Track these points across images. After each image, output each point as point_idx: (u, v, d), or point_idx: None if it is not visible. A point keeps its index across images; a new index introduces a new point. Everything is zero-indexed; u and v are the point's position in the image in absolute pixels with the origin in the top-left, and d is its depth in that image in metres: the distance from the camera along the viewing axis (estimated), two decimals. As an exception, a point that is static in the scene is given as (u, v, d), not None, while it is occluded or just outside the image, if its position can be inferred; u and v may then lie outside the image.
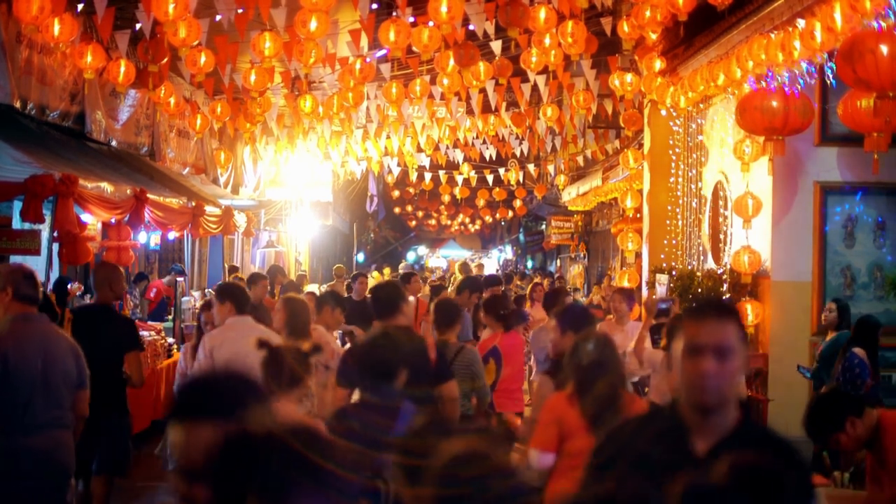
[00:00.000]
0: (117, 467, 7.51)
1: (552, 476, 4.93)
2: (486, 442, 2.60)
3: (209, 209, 14.02)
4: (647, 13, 9.78)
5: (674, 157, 13.42)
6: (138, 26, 10.26)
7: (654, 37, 10.97)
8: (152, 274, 17.27)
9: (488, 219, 39.54)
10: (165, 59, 10.84)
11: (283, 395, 4.76)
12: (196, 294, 16.03)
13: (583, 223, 27.00)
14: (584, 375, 5.00)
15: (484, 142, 19.72)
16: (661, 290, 12.48)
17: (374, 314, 6.46)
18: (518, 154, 21.26)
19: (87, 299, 13.56)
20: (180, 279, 14.44)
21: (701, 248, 12.48)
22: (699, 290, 11.34)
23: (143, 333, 11.29)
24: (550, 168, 24.60)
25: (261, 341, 5.26)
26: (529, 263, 40.39)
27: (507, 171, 24.93)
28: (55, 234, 9.50)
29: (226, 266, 19.28)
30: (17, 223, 10.09)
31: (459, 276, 17.38)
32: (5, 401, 5.64)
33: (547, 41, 10.71)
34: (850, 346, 8.43)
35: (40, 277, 10.10)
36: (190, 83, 13.59)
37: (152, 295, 15.04)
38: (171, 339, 12.39)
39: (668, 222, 13.51)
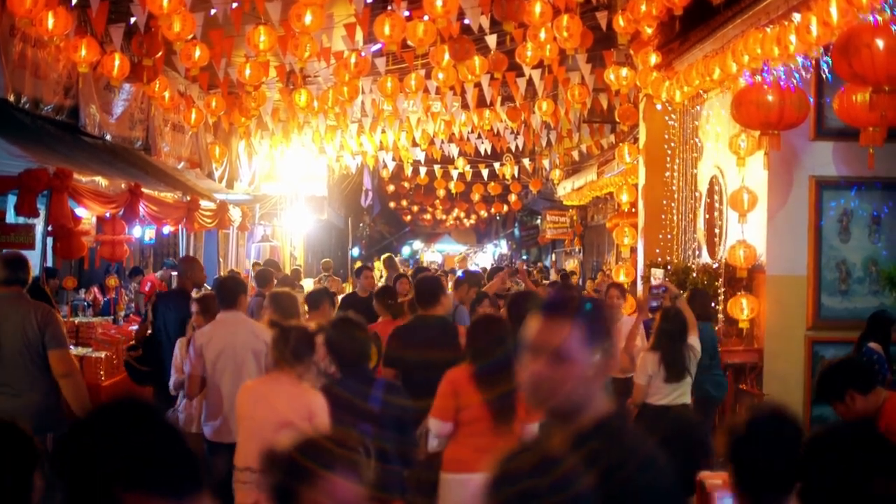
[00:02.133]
0: None
1: (450, 442, 5.61)
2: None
3: (204, 203, 14.00)
4: (643, 7, 9.76)
5: (669, 152, 13.43)
6: (133, 20, 10.23)
7: (649, 31, 10.97)
8: (147, 268, 17.25)
9: (483, 213, 39.54)
10: (160, 53, 10.81)
11: (286, 369, 5.35)
12: (191, 288, 16.00)
13: (578, 218, 27.00)
14: (480, 352, 5.61)
15: (479, 136, 19.70)
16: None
17: (417, 303, 7.49)
18: (513, 148, 21.25)
19: (82, 294, 13.56)
20: (174, 273, 14.40)
21: (696, 243, 12.49)
22: (694, 284, 11.35)
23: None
24: (545, 163, 24.60)
25: (272, 321, 5.79)
26: (524, 258, 40.37)
27: (502, 165, 24.91)
28: (49, 228, 9.47)
29: (219, 262, 19.25)
30: (11, 217, 10.06)
31: (384, 272, 17.33)
32: None
33: (542, 35, 10.69)
34: (863, 341, 8.40)
35: (34, 271, 10.13)
36: (185, 77, 13.57)
37: (146, 289, 14.99)
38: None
39: (663, 217, 13.52)
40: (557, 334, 2.62)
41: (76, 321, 11.06)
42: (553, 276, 25.53)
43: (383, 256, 18.42)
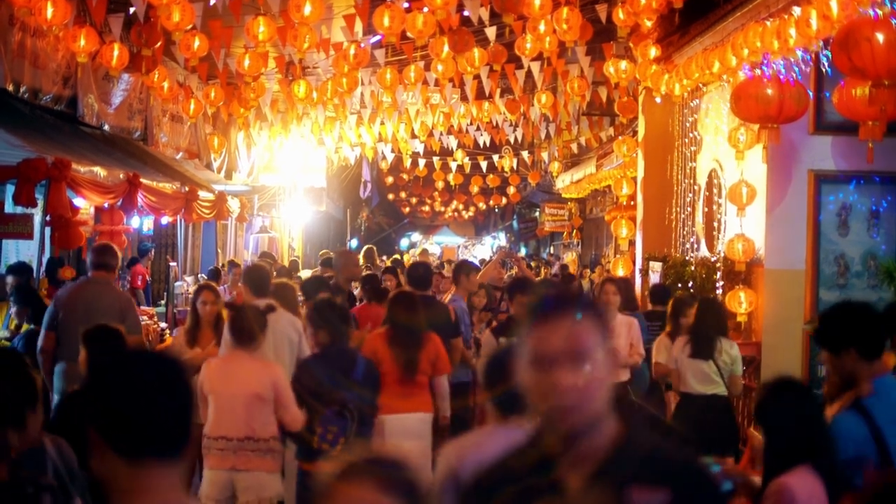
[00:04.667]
0: None
1: None
2: None
3: (202, 194, 14.00)
4: (643, 0, 9.75)
5: (668, 145, 13.40)
6: (132, 10, 10.21)
7: (649, 24, 10.96)
8: (147, 260, 17.19)
9: (482, 206, 39.49)
10: (159, 44, 10.78)
11: (244, 347, 6.02)
12: (189, 279, 16.00)
13: (577, 210, 26.99)
14: (394, 319, 7.13)
15: (478, 128, 19.66)
16: (654, 278, 12.51)
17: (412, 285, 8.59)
18: (512, 141, 21.24)
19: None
20: (173, 264, 14.41)
21: (695, 236, 12.49)
22: (693, 277, 11.37)
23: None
24: (544, 155, 24.57)
25: (227, 304, 6.75)
26: (523, 251, 40.35)
27: (500, 157, 24.89)
28: (48, 218, 9.47)
29: (217, 253, 19.25)
30: (9, 207, 10.06)
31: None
32: (64, 340, 7.35)
33: (542, 28, 10.69)
34: None
35: (34, 260, 10.16)
36: (184, 67, 13.54)
37: (139, 283, 14.84)
38: (163, 324, 12.38)
39: (661, 210, 13.49)
40: (577, 333, 2.27)
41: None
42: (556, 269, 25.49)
43: (364, 248, 18.27)
